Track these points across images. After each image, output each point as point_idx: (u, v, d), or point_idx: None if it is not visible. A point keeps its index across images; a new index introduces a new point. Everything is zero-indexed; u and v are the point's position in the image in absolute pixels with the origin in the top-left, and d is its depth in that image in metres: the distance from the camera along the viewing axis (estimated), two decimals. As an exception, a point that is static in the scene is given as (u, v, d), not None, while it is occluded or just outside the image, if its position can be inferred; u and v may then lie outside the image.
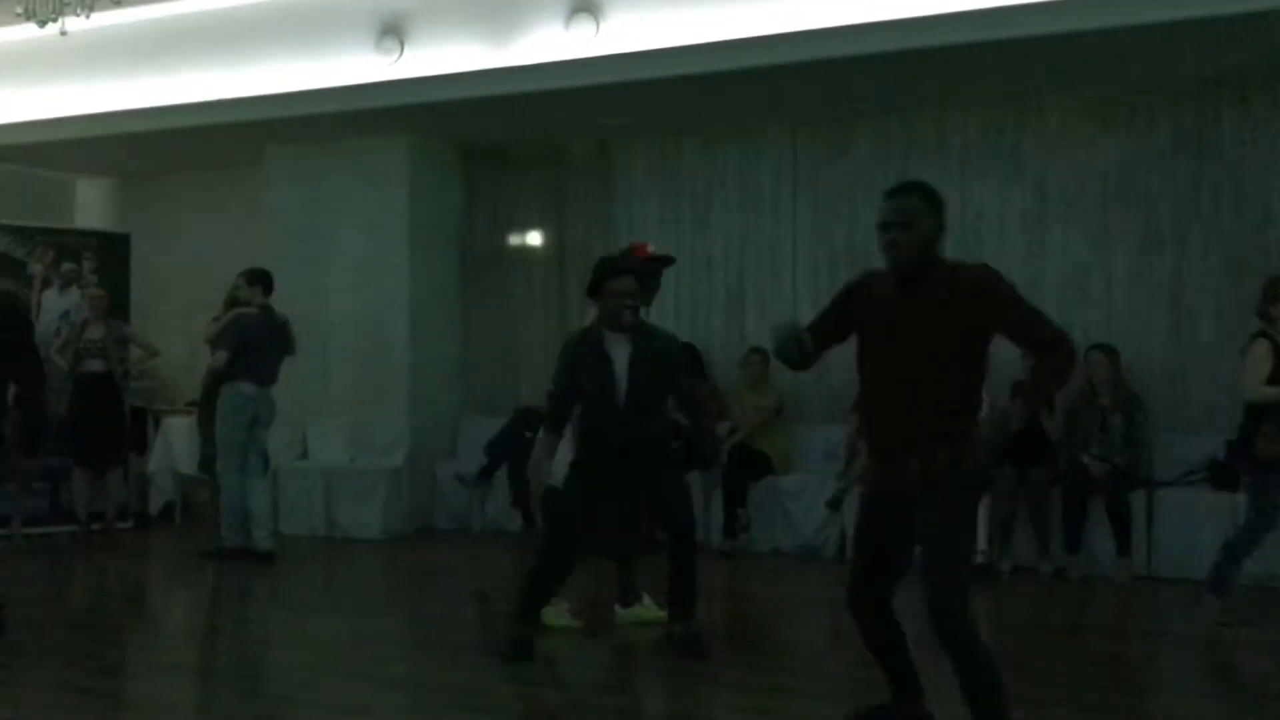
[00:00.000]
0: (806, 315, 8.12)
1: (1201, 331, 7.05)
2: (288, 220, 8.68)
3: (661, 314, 8.34)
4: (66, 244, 8.92)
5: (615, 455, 4.81)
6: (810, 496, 7.36)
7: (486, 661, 4.83)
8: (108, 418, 8.04)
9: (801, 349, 3.45)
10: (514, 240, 8.93)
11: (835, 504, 7.05)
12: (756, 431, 7.54)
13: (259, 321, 7.16)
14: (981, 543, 6.57)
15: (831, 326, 3.58)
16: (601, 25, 6.94)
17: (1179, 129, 7.10)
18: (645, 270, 5.14)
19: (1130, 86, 7.04)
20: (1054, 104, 7.31)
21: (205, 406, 7.52)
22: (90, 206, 10.25)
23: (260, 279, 7.26)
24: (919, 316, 3.33)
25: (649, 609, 5.39)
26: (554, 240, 8.79)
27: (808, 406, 7.90)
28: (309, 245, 8.57)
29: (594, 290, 4.90)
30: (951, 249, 7.99)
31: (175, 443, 8.63)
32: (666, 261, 5.51)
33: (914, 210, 3.37)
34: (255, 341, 7.10)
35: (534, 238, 8.89)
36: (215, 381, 7.28)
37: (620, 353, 4.81)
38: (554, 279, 8.77)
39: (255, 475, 7.19)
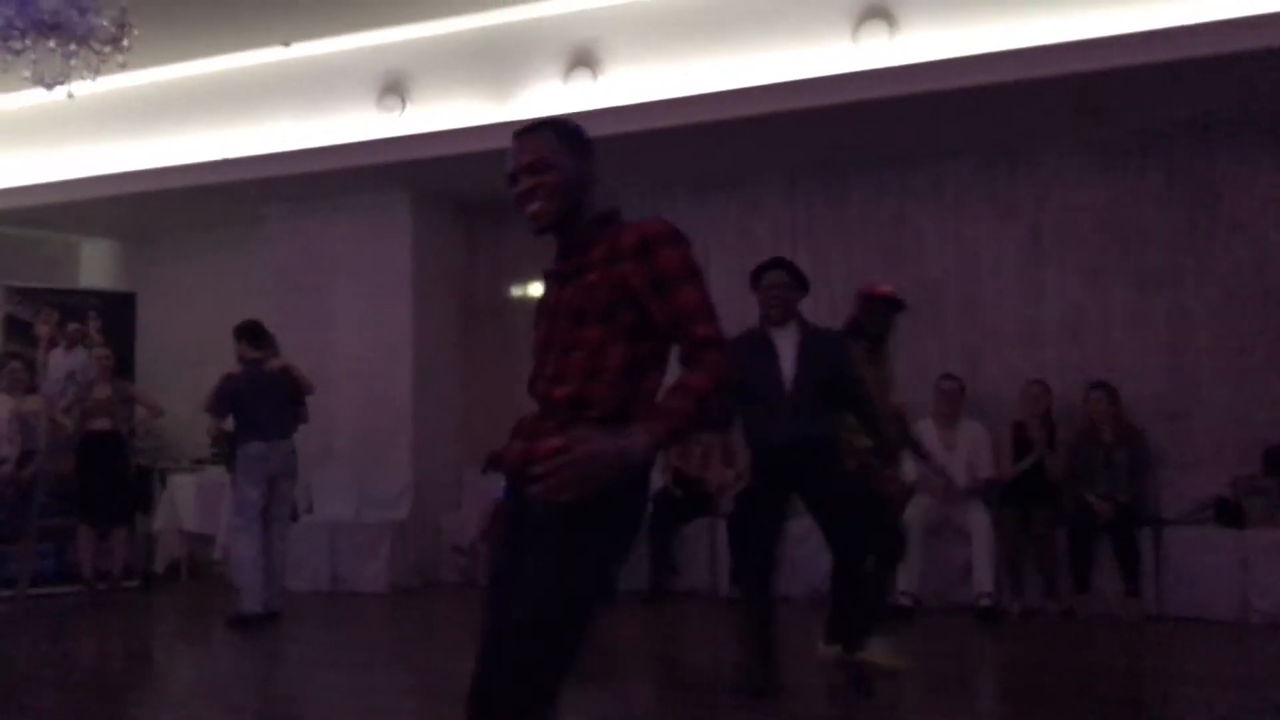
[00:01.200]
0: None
1: (1201, 369, 7.08)
2: (291, 276, 8.76)
3: (674, 364, 8.40)
4: (71, 304, 9.00)
5: (782, 463, 4.71)
6: (816, 542, 7.31)
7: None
8: (114, 477, 8.02)
9: None
10: (515, 292, 8.99)
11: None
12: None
13: (246, 378, 7.03)
14: (989, 585, 6.56)
15: None
16: (599, 78, 7.06)
17: (1171, 169, 7.18)
18: (873, 310, 5.22)
19: (1122, 129, 7.13)
20: (1047, 146, 7.40)
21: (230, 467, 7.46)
22: (95, 267, 10.35)
23: (244, 333, 7.11)
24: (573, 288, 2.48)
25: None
26: (555, 292, 8.83)
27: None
28: (312, 301, 8.64)
29: (753, 284, 4.99)
30: (950, 292, 8.10)
31: (180, 501, 8.65)
32: (895, 305, 5.32)
33: (549, 148, 2.56)
34: (247, 399, 6.96)
35: (535, 289, 8.95)
36: (228, 444, 7.25)
37: (786, 344, 4.83)
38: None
39: (274, 535, 7.02)
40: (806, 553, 7.34)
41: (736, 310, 8.15)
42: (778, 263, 5.10)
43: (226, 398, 6.98)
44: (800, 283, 5.03)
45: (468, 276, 9.03)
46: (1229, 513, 6.57)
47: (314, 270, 8.71)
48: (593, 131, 7.90)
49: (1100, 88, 6.25)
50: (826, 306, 7.98)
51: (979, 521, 6.63)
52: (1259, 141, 7.00)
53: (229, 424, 7.07)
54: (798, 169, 8.02)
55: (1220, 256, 7.06)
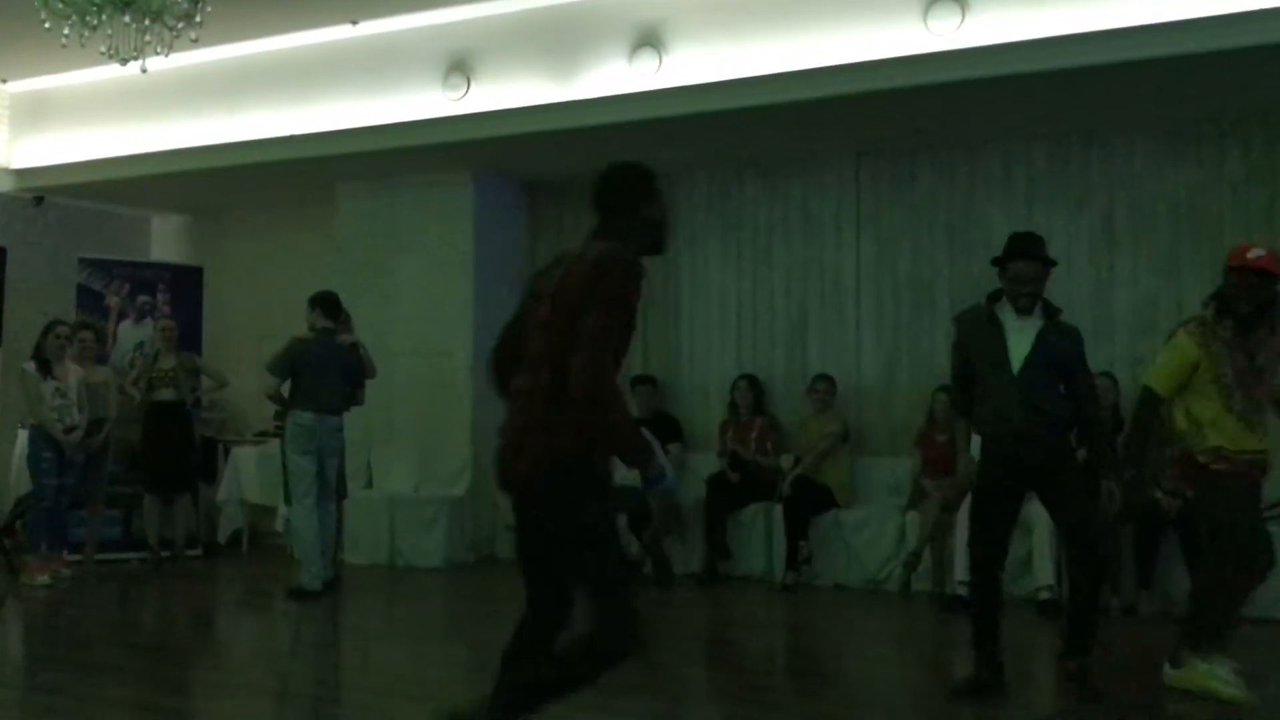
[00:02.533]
0: (868, 347, 8.14)
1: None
2: (356, 254, 8.84)
3: (724, 345, 8.39)
4: (142, 277, 9.17)
5: (1014, 453, 4.48)
6: (873, 530, 7.28)
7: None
8: (178, 446, 8.17)
9: None
10: (576, 273, 8.98)
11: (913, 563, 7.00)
12: (819, 462, 7.48)
13: (315, 346, 7.02)
14: (1049, 578, 6.47)
15: None
16: (664, 59, 7.02)
17: (1249, 157, 6.99)
18: (1244, 283, 4.48)
19: (1199, 115, 6.95)
20: (1120, 133, 7.24)
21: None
22: (165, 241, 10.53)
23: (319, 302, 7.12)
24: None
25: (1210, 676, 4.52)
26: (616, 273, 8.82)
27: (870, 438, 7.84)
28: (376, 278, 8.72)
29: (1000, 264, 4.67)
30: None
31: (244, 472, 8.79)
32: (1271, 277, 4.49)
33: None
34: (309, 367, 6.92)
35: (596, 270, 8.93)
36: (280, 410, 7.34)
37: (1018, 324, 4.57)
38: (616, 311, 8.81)
39: (322, 510, 7.03)
40: (863, 539, 7.29)
41: (797, 298, 8.14)
42: (1026, 250, 4.66)
43: (289, 361, 6.98)
44: (1048, 266, 4.71)
45: (530, 255, 9.04)
46: (1299, 511, 6.39)
47: (378, 248, 8.78)
48: (657, 112, 7.88)
49: (1175, 72, 6.09)
50: (890, 294, 7.91)
51: (1040, 515, 6.52)
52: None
53: (285, 388, 7.06)
54: (863, 152, 7.92)
55: (1299, 248, 6.86)
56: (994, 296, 4.71)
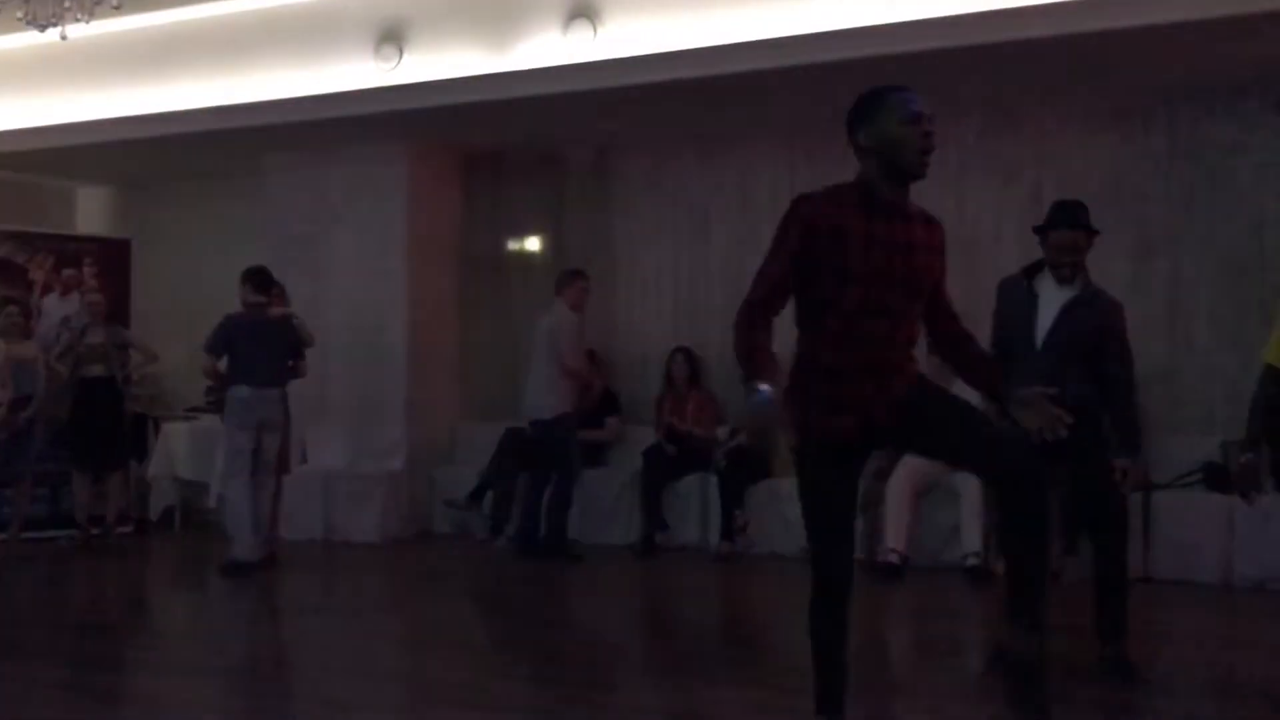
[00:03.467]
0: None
1: (1197, 335, 7.08)
2: (287, 227, 8.72)
3: (660, 318, 8.42)
4: (67, 250, 8.97)
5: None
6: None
7: (485, 658, 4.86)
8: (108, 422, 8.03)
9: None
10: (513, 246, 8.97)
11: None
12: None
13: (248, 321, 7.01)
14: (976, 545, 6.61)
15: None
16: (599, 30, 7.00)
17: (1173, 134, 7.14)
18: None
19: (1126, 91, 7.09)
20: (1049, 110, 7.36)
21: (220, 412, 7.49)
22: (91, 213, 10.30)
23: (250, 277, 7.08)
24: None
25: None
26: (553, 246, 8.83)
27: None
28: (308, 251, 8.61)
29: (1041, 232, 4.53)
30: (950, 254, 8.08)
31: (175, 448, 8.67)
32: None
33: None
34: (244, 342, 6.93)
35: (533, 244, 8.93)
36: (218, 387, 7.28)
37: (1053, 295, 4.42)
38: (553, 285, 8.79)
39: (260, 485, 7.04)
40: (799, 509, 7.38)
41: (734, 272, 8.19)
42: (1069, 218, 4.50)
43: (224, 338, 6.97)
44: (1090, 234, 4.54)
45: (465, 229, 9.00)
46: (1218, 477, 6.60)
47: (310, 220, 8.67)
48: (590, 84, 7.84)
49: (1102, 48, 6.20)
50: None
51: (967, 482, 6.66)
52: (1258, 109, 6.96)
53: (223, 365, 7.06)
54: (797, 129, 7.97)
55: (1219, 223, 7.04)
56: (1033, 268, 4.58)
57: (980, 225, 7.54)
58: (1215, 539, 6.38)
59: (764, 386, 2.82)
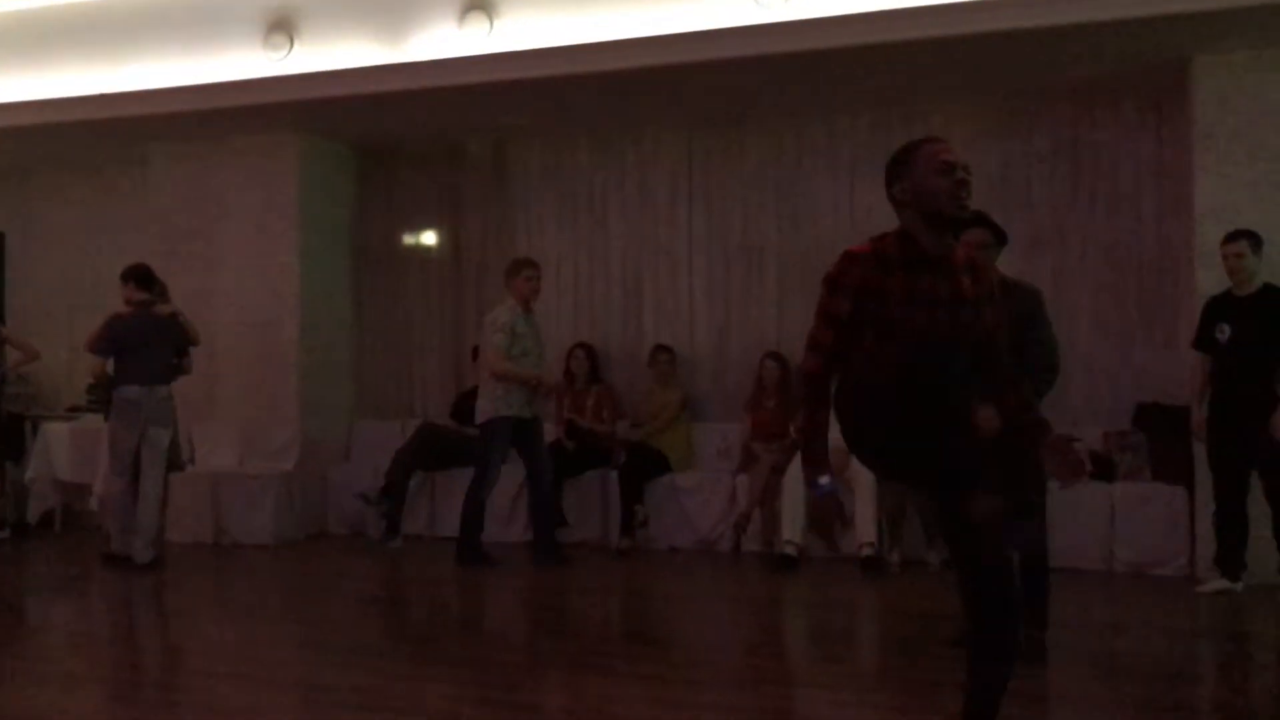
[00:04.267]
0: (701, 315, 8.32)
1: (1080, 329, 7.32)
2: (174, 220, 8.48)
3: (560, 314, 8.40)
4: (-63, 243, 8.57)
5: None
6: (705, 494, 7.44)
7: (382, 661, 4.78)
8: (-18, 423, 7.73)
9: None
10: (408, 240, 8.85)
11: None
12: (656, 429, 7.61)
13: (133, 320, 6.94)
14: (870, 535, 6.73)
15: None
16: (495, 23, 6.94)
17: (1057, 133, 7.37)
18: None
19: (1011, 90, 7.28)
20: (938, 107, 7.52)
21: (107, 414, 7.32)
22: (-38, 205, 9.85)
23: (131, 275, 7.02)
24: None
25: None
26: (450, 240, 8.74)
27: (703, 405, 8.00)
28: (196, 245, 8.39)
29: (956, 234, 4.63)
30: (841, 249, 8.20)
31: (55, 449, 8.35)
32: None
33: None
34: (130, 341, 6.88)
35: (429, 237, 8.82)
36: (105, 387, 7.14)
37: None
38: (450, 279, 8.72)
39: (147, 482, 6.94)
40: (697, 503, 7.45)
41: (632, 267, 8.21)
42: (979, 219, 4.81)
43: (111, 338, 6.89)
44: (1000, 239, 4.86)
45: (359, 222, 8.85)
46: (1100, 467, 6.83)
47: (198, 213, 8.43)
48: (486, 77, 7.77)
49: (987, 50, 6.36)
50: (721, 263, 8.05)
51: (862, 473, 6.78)
52: (1137, 111, 7.22)
53: (110, 366, 6.96)
54: (695, 122, 8.02)
55: (1101, 222, 7.28)
56: None
57: (872, 220, 7.65)
58: (1097, 527, 6.61)
59: (824, 480, 2.91)
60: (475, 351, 7.66)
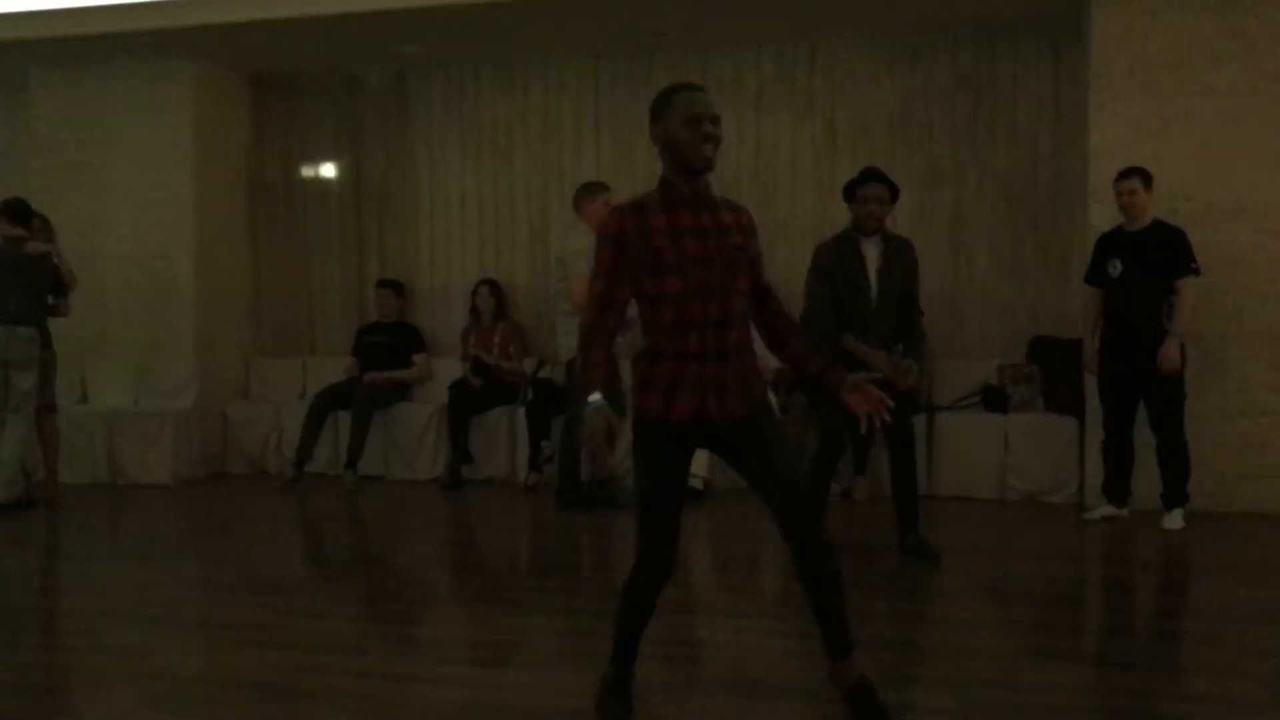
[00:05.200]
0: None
1: (977, 263, 7.47)
2: (59, 149, 8.14)
3: (465, 248, 8.30)
4: None
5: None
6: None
7: (284, 598, 4.73)
8: None
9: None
10: (308, 173, 8.63)
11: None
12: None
13: (2, 255, 6.66)
14: (705, 470, 6.78)
15: None
16: (396, -54, 6.73)
17: (958, 68, 7.45)
18: None
19: (913, 26, 7.33)
20: (843, 43, 7.54)
21: None
22: None
23: (5, 208, 6.73)
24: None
25: None
26: (350, 172, 8.54)
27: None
28: (84, 177, 8.08)
29: (848, 194, 5.32)
30: (747, 183, 8.23)
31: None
32: None
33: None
34: None
35: (328, 170, 8.61)
36: None
37: (873, 253, 5.27)
38: (350, 213, 8.54)
39: (10, 425, 6.70)
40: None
41: (539, 202, 8.13)
42: (876, 176, 5.32)
43: None
44: (894, 194, 5.33)
45: (256, 153, 8.60)
46: (994, 399, 7.02)
47: (86, 143, 8.10)
48: (384, 3, 7.53)
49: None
50: (628, 192, 8.00)
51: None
52: (1035, 46, 7.32)
53: None
54: (601, 52, 7.92)
55: (999, 156, 7.41)
56: (849, 230, 5.35)
57: (778, 154, 7.71)
58: (991, 457, 6.80)
59: (594, 396, 2.92)
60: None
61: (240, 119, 8.46)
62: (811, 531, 3.05)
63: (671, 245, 3.00)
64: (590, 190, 6.47)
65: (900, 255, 5.31)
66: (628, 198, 3.19)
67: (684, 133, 3.02)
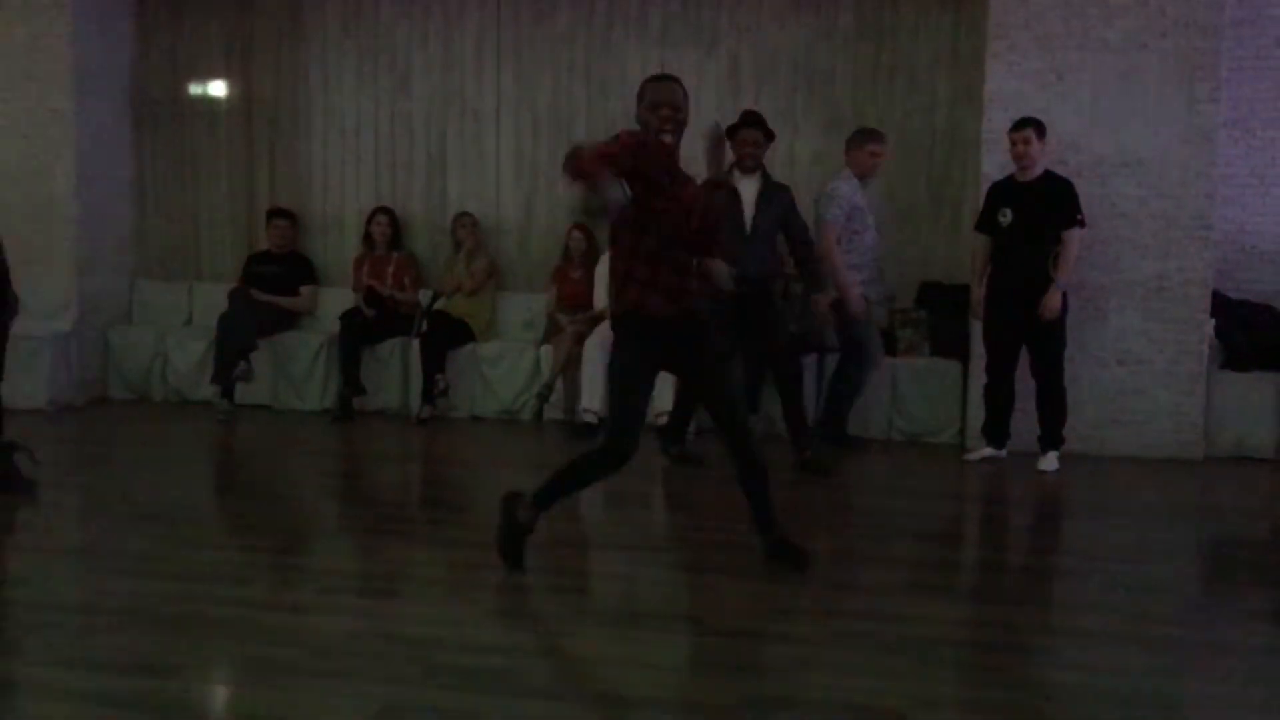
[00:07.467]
0: (507, 182, 8.20)
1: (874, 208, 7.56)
2: (-77, 55, 7.68)
3: (359, 176, 8.11)
4: None
5: (743, 294, 5.48)
6: (509, 364, 7.43)
7: (168, 527, 4.64)
8: None
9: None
10: (195, 90, 8.30)
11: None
12: (460, 299, 7.51)
13: None
14: (598, 403, 6.79)
15: None
16: None
17: (861, 14, 7.48)
18: None
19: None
20: (750, -18, 7.51)
21: None
22: None
23: None
24: None
25: None
26: (240, 91, 8.24)
27: (508, 274, 7.93)
28: (-49, 86, 7.65)
29: (731, 134, 5.65)
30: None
31: None
32: None
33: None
34: None
35: (218, 88, 8.30)
36: None
37: (749, 193, 5.81)
38: (240, 133, 8.26)
39: None
40: (499, 373, 7.44)
41: (437, 130, 7.96)
42: (752, 121, 5.91)
43: None
44: (769, 136, 5.95)
45: (140, 68, 8.23)
46: (884, 342, 7.15)
47: (-48, 50, 7.66)
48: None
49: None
50: (530, 130, 7.91)
51: (591, 346, 6.94)
52: (922, -4, 7.38)
53: None
54: (504, -19, 7.75)
55: (897, 103, 7.49)
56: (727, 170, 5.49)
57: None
58: (878, 399, 6.95)
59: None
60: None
61: (123, 30, 8.08)
62: (744, 429, 4.05)
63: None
64: (861, 138, 6.42)
65: (775, 195, 5.89)
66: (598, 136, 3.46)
67: (648, 116, 3.95)
